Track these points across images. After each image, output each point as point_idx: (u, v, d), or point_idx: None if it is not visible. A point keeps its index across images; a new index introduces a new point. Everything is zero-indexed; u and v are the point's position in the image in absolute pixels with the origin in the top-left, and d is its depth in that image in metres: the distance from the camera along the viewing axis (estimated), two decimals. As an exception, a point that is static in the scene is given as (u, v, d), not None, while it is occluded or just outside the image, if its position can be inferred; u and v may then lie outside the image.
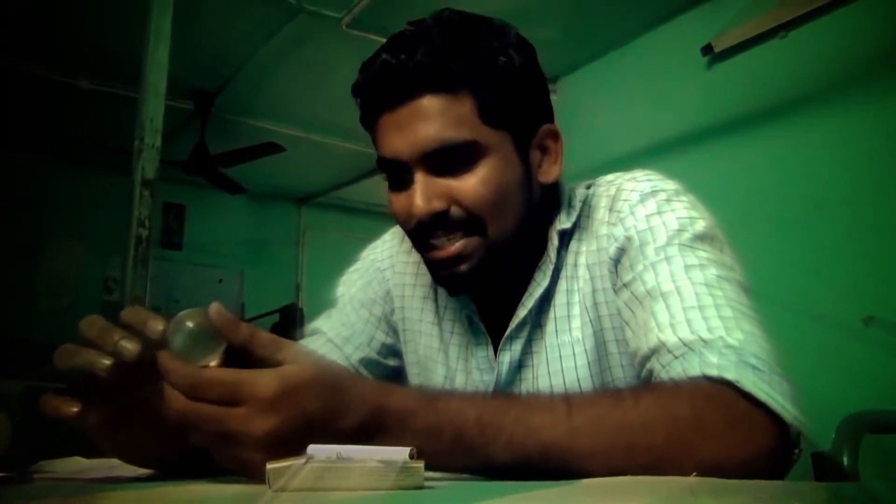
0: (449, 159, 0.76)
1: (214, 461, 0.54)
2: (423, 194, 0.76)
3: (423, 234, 0.79)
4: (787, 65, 2.51)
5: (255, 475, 0.51)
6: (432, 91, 0.75)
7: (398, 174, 0.79)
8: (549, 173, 0.83)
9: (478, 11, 0.81)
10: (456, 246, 0.77)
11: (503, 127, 0.78)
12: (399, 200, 0.80)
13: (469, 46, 0.76)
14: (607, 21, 3.03)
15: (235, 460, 0.52)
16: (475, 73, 0.76)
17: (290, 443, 0.50)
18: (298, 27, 3.13)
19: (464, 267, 0.78)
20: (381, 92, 0.77)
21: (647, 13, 2.99)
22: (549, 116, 0.85)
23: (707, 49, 2.74)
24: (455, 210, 0.77)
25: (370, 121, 0.80)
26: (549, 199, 0.86)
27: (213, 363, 0.54)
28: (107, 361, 0.55)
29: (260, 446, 0.50)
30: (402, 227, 0.82)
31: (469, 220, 0.77)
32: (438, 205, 0.76)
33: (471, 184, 0.76)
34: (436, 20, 0.79)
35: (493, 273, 0.81)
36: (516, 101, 0.79)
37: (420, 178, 0.76)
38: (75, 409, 0.56)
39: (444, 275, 0.81)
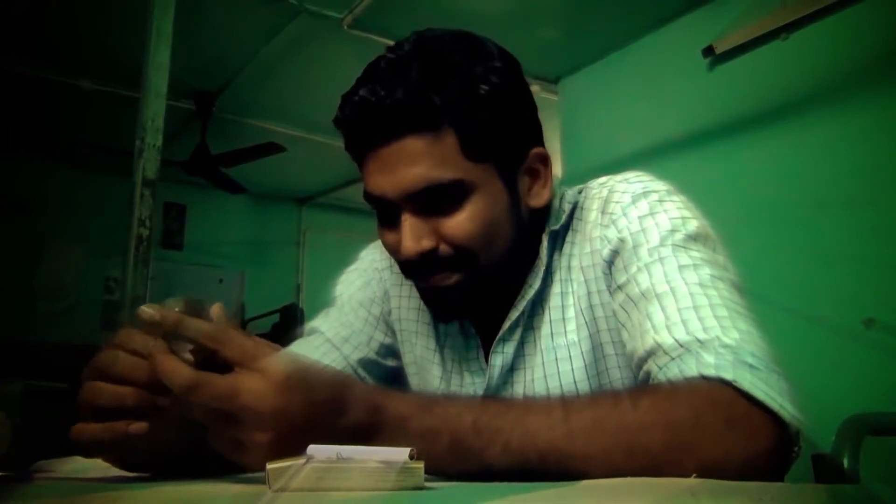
0: (435, 199, 0.75)
1: (208, 453, 0.54)
2: (412, 234, 0.76)
3: (412, 269, 0.80)
4: (788, 66, 2.51)
5: (251, 461, 0.51)
6: (414, 131, 0.73)
7: (386, 210, 0.79)
8: (539, 197, 0.83)
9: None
10: (447, 281, 0.78)
11: (488, 160, 0.77)
12: (389, 236, 0.80)
13: (450, 78, 0.74)
14: (609, 22, 3.03)
15: (234, 442, 0.52)
16: (457, 109, 0.73)
17: (294, 427, 0.51)
18: (299, 27, 3.13)
19: (455, 297, 0.79)
20: (363, 132, 0.76)
21: (649, 15, 2.99)
22: (537, 139, 0.83)
23: (708, 50, 2.74)
24: (444, 248, 0.77)
25: (355, 154, 0.80)
26: (541, 212, 0.86)
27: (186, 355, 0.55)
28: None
29: (265, 425, 0.51)
30: (394, 258, 0.83)
31: (458, 257, 0.77)
32: (427, 244, 0.76)
33: (458, 222, 0.76)
34: (414, 46, 0.77)
35: (484, 299, 0.82)
36: (501, 132, 0.77)
37: (407, 218, 0.76)
38: (146, 427, 0.57)
39: (435, 304, 0.82)
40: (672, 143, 2.84)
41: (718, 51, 2.72)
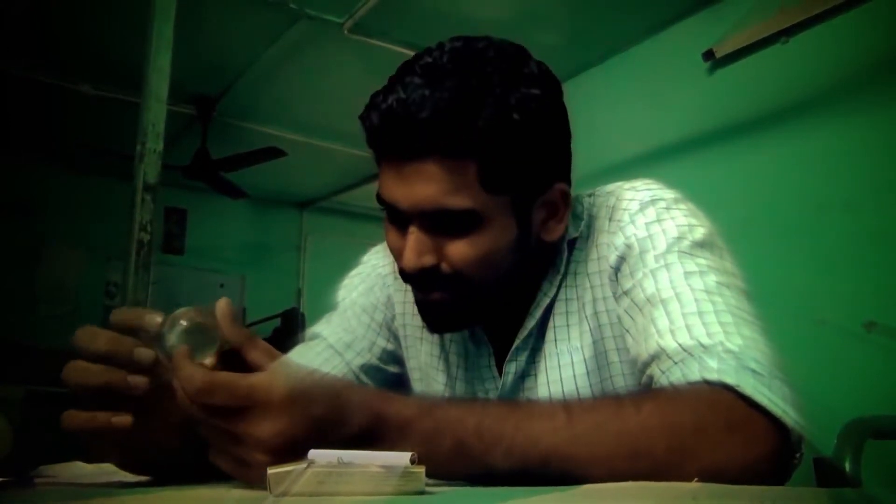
0: (445, 222, 0.74)
1: (211, 462, 0.55)
2: (415, 249, 0.75)
3: (409, 280, 0.79)
4: (788, 70, 2.52)
5: (253, 479, 0.52)
6: (437, 154, 0.71)
7: (396, 214, 0.77)
8: (552, 232, 0.80)
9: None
10: (438, 296, 0.77)
11: (505, 192, 0.74)
12: (394, 239, 0.79)
13: (484, 104, 0.70)
14: (609, 26, 3.04)
15: (236, 460, 0.53)
16: (485, 140, 0.70)
17: (294, 446, 0.50)
18: (300, 32, 3.14)
19: (447, 313, 0.79)
20: (386, 142, 0.74)
21: (649, 18, 2.99)
22: (563, 173, 0.81)
23: (708, 54, 2.75)
24: (445, 266, 0.76)
25: (375, 154, 0.77)
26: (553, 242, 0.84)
27: (207, 361, 0.55)
28: (142, 380, 0.56)
29: (264, 448, 0.51)
30: (395, 261, 0.81)
31: (455, 278, 0.76)
32: (428, 261, 0.75)
33: (461, 248, 0.75)
34: (454, 55, 0.74)
35: (479, 317, 0.83)
36: (525, 166, 0.74)
37: (414, 232, 0.75)
38: (129, 420, 0.56)
39: (428, 317, 0.81)
40: (672, 147, 2.84)
41: (718, 55, 2.72)
